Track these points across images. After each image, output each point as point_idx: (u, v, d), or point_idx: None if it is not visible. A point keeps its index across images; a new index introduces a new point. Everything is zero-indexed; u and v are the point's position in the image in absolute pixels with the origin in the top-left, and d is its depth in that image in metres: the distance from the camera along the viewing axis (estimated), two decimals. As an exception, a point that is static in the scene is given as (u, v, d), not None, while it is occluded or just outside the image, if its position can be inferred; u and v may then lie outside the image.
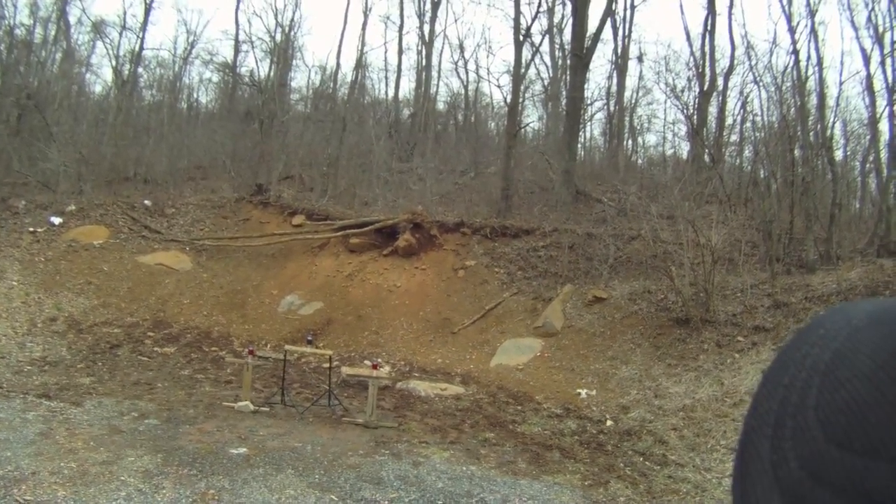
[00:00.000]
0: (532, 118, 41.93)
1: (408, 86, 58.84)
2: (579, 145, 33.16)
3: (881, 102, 22.22)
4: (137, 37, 38.35)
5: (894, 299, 0.65)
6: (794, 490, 0.56)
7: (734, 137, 29.77)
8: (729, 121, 29.92)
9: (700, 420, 12.42)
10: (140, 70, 39.79)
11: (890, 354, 0.56)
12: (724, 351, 14.57)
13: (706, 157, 25.78)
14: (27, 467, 8.38)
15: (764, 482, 0.60)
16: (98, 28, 38.25)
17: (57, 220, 22.00)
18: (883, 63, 21.55)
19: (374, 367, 13.61)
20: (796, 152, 20.03)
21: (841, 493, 0.52)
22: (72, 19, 38.63)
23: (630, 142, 38.26)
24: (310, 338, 15.23)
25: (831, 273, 16.08)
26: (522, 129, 33.39)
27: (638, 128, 39.73)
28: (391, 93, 45.27)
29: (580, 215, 23.85)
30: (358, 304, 19.97)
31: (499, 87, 63.27)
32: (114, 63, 37.85)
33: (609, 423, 13.01)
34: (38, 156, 26.66)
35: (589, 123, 38.16)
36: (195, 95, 46.94)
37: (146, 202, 24.71)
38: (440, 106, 45.55)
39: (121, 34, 38.50)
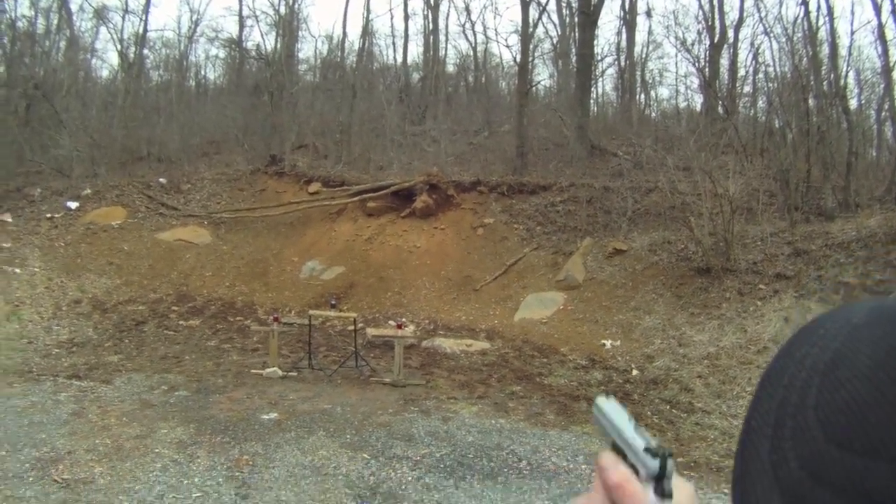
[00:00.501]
0: (543, 76, 41.70)
1: (416, 50, 58.32)
2: (592, 101, 32.94)
3: (894, 51, 22.01)
4: (141, 19, 38.70)
5: (894, 299, 0.64)
6: (794, 490, 0.56)
7: (747, 89, 29.47)
8: (741, 72, 29.66)
9: (725, 367, 12.41)
10: (146, 52, 39.77)
11: (889, 354, 0.55)
12: (746, 299, 14.51)
13: (720, 109, 25.53)
14: (62, 447, 8.42)
15: (764, 482, 0.60)
16: (100, 14, 38.11)
17: (73, 205, 22.03)
18: (894, 12, 21.29)
19: (399, 326, 13.62)
20: (810, 102, 19.82)
21: (841, 493, 0.52)
22: (73, 7, 38.61)
23: (642, 96, 37.86)
24: (333, 301, 15.21)
25: (850, 220, 15.91)
26: (534, 88, 33.23)
27: (650, 82, 39.30)
28: (399, 58, 45.08)
29: (596, 170, 23.77)
30: (379, 267, 19.95)
31: (507, 47, 62.96)
32: (119, 47, 37.85)
33: (635, 372, 13.00)
34: (49, 143, 26.65)
35: (600, 79, 37.82)
36: (203, 73, 46.84)
37: (161, 180, 24.71)
38: (449, 68, 45.25)
39: (124, 18, 38.71)
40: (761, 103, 27.37)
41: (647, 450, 0.95)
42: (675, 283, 16.14)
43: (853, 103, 23.28)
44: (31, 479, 7.44)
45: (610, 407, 1.10)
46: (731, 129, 21.20)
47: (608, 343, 14.60)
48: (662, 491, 0.92)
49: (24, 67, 31.40)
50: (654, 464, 0.93)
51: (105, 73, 42.99)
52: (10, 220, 20.53)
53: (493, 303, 17.71)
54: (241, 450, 8.59)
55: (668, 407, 11.16)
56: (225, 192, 24.69)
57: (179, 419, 9.68)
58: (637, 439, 0.98)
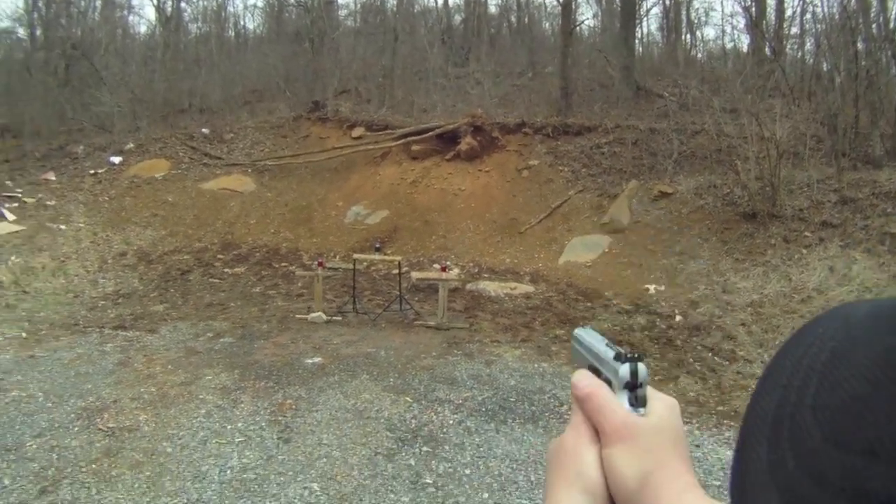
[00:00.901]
0: (587, 15, 41.02)
1: (458, -8, 58.19)
2: (637, 41, 32.29)
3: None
4: (177, -28, 38.22)
5: (893, 299, 0.61)
6: (792, 490, 0.54)
7: (794, 30, 28.61)
8: (788, 13, 28.71)
9: (768, 316, 12.22)
10: (183, 5, 39.72)
11: (887, 353, 0.53)
12: (791, 246, 14.28)
13: (767, 50, 24.95)
14: (108, 396, 8.52)
15: (762, 482, 0.59)
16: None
17: (117, 160, 22.20)
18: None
19: (443, 269, 13.57)
20: (859, 45, 19.21)
21: (840, 493, 0.50)
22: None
23: (688, 36, 37.02)
24: (378, 245, 15.16)
25: None
26: (577, 28, 32.63)
27: (696, 21, 38.59)
28: (440, 0, 44.66)
29: (642, 111, 23.40)
30: (424, 210, 19.89)
31: (551, -14, 62.22)
32: (156, 2, 37.81)
33: (678, 318, 12.83)
34: (90, 101, 26.87)
35: (645, 19, 37.10)
36: (242, 23, 46.82)
37: (204, 131, 24.80)
38: (492, 9, 44.68)
39: (159, -28, 38.36)
40: (809, 45, 26.80)
41: (617, 357, 0.93)
42: (720, 227, 15.92)
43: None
44: (76, 428, 7.53)
45: (585, 333, 1.10)
46: (777, 71, 20.76)
47: (652, 288, 14.47)
48: (636, 398, 0.90)
49: (62, 29, 31.56)
50: (624, 369, 0.91)
51: (143, 29, 43.28)
52: (53, 178, 20.74)
53: (538, 246, 17.60)
54: (285, 394, 8.65)
55: (710, 354, 11.03)
56: (268, 139, 24.74)
57: (224, 365, 9.75)
58: (608, 351, 0.97)
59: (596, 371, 0.99)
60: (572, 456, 0.90)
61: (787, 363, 0.63)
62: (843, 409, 0.53)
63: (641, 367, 0.90)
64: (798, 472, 0.54)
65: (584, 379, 0.96)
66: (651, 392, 0.92)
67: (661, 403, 0.91)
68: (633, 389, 0.90)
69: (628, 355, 0.91)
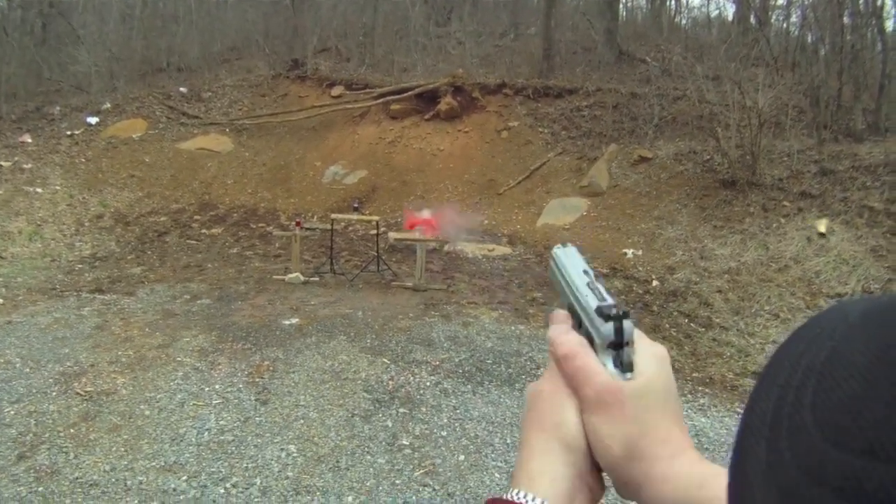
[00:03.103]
0: (571, -22, 40.80)
1: (441, -51, 57.56)
2: (621, 5, 32.13)
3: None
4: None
5: (891, 296, 0.60)
6: (791, 490, 0.53)
7: (781, 1, 28.58)
8: (775, -18, 28.78)
9: (745, 284, 12.30)
10: (163, -40, 39.24)
11: (886, 352, 0.52)
12: (769, 215, 14.31)
13: (752, 20, 24.87)
14: (86, 360, 8.54)
15: (761, 482, 0.58)
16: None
17: (93, 120, 22.02)
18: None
19: (429, 223, 13.61)
20: (845, 19, 19.13)
21: (839, 493, 0.49)
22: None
23: (673, 2, 36.77)
24: (356, 205, 15.17)
25: (879, 144, 15.51)
26: (562, -10, 32.56)
27: (682, -12, 38.43)
28: (425, -43, 44.22)
29: (624, 75, 23.23)
30: (402, 170, 19.88)
31: (535, -55, 61.72)
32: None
33: (655, 283, 12.91)
34: (67, 60, 26.59)
35: (631, -17, 36.97)
36: (222, -21, 46.29)
37: (182, 90, 24.62)
38: (476, -32, 44.35)
39: (137, -74, 37.86)
40: (795, 17, 26.53)
41: (600, 312, 0.88)
42: (699, 194, 15.93)
43: (889, 25, 22.61)
44: (54, 393, 7.57)
45: (566, 256, 1.03)
46: (762, 40, 20.70)
47: (630, 252, 14.51)
48: (621, 361, 0.86)
49: (39, -14, 31.18)
50: (608, 328, 0.86)
51: (122, -14, 42.58)
52: (30, 140, 20.53)
53: (516, 207, 17.61)
54: (262, 356, 8.69)
55: (686, 320, 11.10)
56: (246, 98, 24.60)
57: (201, 327, 9.78)
58: (590, 298, 0.92)
59: (574, 313, 0.96)
60: (551, 406, 0.90)
61: (786, 362, 0.62)
62: (842, 409, 0.52)
63: (627, 324, 0.87)
64: (797, 471, 0.54)
65: (562, 334, 0.94)
66: (638, 342, 0.89)
67: (650, 357, 0.90)
68: (618, 348, 0.86)
69: (613, 312, 0.87)
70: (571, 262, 1.01)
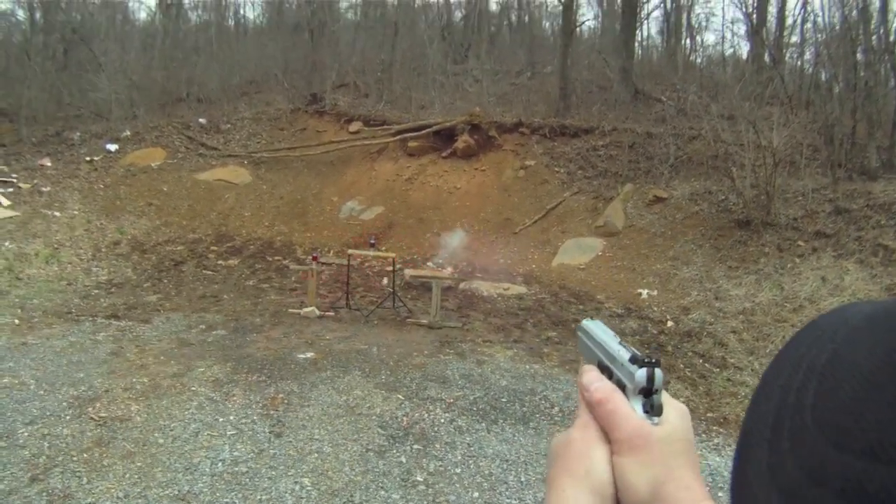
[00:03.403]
0: (588, 16, 41.11)
1: (458, -13, 58.07)
2: (637, 44, 32.32)
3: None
4: (178, -41, 38.10)
5: (892, 300, 0.61)
6: (792, 492, 0.54)
7: (795, 38, 28.63)
8: (789, 21, 28.86)
9: (759, 324, 12.25)
10: (183, -8, 39.63)
11: (888, 355, 0.53)
12: (784, 255, 14.30)
13: (766, 58, 24.92)
14: (100, 386, 8.51)
15: (762, 484, 0.59)
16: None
17: (113, 147, 22.16)
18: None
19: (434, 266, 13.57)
20: (859, 56, 19.21)
21: (840, 495, 0.50)
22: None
23: (688, 40, 36.88)
24: (372, 241, 15.16)
25: (893, 182, 15.52)
26: (578, 28, 32.64)
27: (696, 26, 38.44)
28: (442, -5, 44.53)
29: (639, 114, 23.34)
30: (419, 207, 19.91)
31: (552, -16, 62.16)
32: (156, -12, 37.70)
33: (670, 323, 12.87)
34: (88, 87, 26.80)
35: (646, 22, 37.07)
36: (242, 12, 46.78)
37: (201, 120, 24.77)
38: (492, 7, 44.63)
39: (159, -42, 38.24)
40: (808, 54, 26.70)
41: (633, 360, 0.90)
42: (714, 234, 15.95)
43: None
44: (68, 417, 7.53)
45: (595, 326, 1.07)
46: (777, 79, 20.71)
47: (645, 292, 14.49)
48: (651, 406, 0.88)
49: (61, 12, 31.42)
50: (641, 374, 0.88)
51: (143, 16, 43.08)
52: (49, 164, 20.67)
53: (532, 247, 17.62)
54: (277, 388, 8.65)
55: (700, 361, 11.05)
56: (265, 131, 24.73)
57: (216, 357, 9.76)
58: (622, 351, 0.94)
59: (604, 368, 0.97)
60: (581, 453, 0.89)
61: (787, 364, 0.63)
62: (844, 411, 0.53)
63: (658, 372, 0.89)
64: (798, 472, 0.55)
65: (595, 381, 0.94)
66: (663, 398, 0.91)
67: (674, 411, 0.91)
68: (649, 395, 0.89)
69: (646, 359, 0.89)
70: (601, 329, 1.04)
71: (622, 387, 0.91)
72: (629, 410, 0.88)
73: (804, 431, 0.55)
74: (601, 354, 0.99)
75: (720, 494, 6.53)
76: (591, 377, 0.95)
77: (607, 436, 0.89)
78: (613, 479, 0.86)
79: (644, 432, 0.86)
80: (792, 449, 0.56)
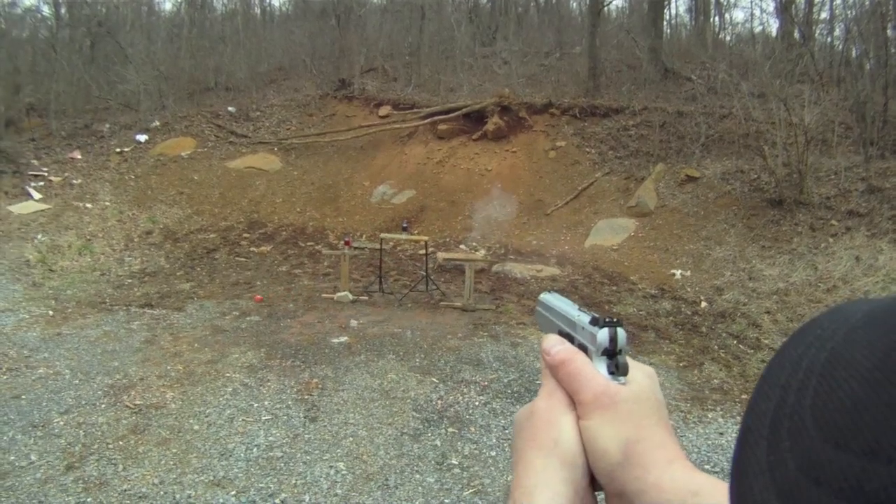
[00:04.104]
0: (615, -5, 40.75)
1: (484, -32, 57.92)
2: (665, 22, 32.09)
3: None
4: (202, -53, 38.16)
5: (892, 298, 0.59)
6: (791, 491, 0.52)
7: (824, 15, 28.27)
8: (818, -4, 28.53)
9: (793, 305, 12.17)
10: (209, -19, 39.69)
11: (887, 354, 0.51)
12: (817, 234, 14.18)
13: (796, 35, 24.68)
14: (135, 374, 8.56)
15: (761, 483, 0.56)
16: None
17: (143, 138, 22.26)
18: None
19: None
20: (889, 31, 18.98)
21: (839, 494, 0.48)
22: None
23: (717, 18, 36.56)
24: (405, 225, 15.16)
25: None
26: (606, 7, 32.38)
27: (724, 3, 37.98)
28: (468, -24, 44.38)
29: (669, 93, 23.21)
30: (450, 190, 19.89)
31: (578, -37, 61.87)
32: (181, -22, 37.78)
33: (703, 304, 12.82)
34: (116, 79, 26.93)
35: (674, 0, 36.85)
36: (267, 0, 46.73)
37: (230, 109, 24.84)
38: (519, -13, 44.39)
39: (184, -53, 38.32)
40: (838, 31, 26.38)
41: (594, 321, 0.90)
42: (747, 213, 15.83)
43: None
44: (103, 405, 7.58)
45: (553, 297, 1.09)
46: (807, 56, 20.50)
47: (678, 273, 14.41)
48: (616, 366, 0.88)
49: (86, 6, 31.57)
50: (603, 334, 0.88)
51: (168, 6, 43.24)
52: (79, 156, 20.82)
53: (564, 228, 17.57)
54: (311, 373, 8.66)
55: (734, 342, 11.00)
56: (294, 117, 24.80)
57: (250, 344, 9.78)
58: (582, 315, 0.94)
59: (567, 337, 0.96)
60: (547, 423, 0.88)
61: (787, 363, 0.61)
62: (843, 410, 0.51)
63: (621, 331, 0.87)
64: (797, 472, 0.52)
65: (556, 344, 0.93)
66: (629, 360, 0.89)
67: (640, 372, 0.90)
68: (613, 356, 0.87)
69: (606, 319, 0.88)
70: (559, 299, 1.06)
71: (585, 350, 0.91)
72: (593, 371, 0.88)
73: (803, 431, 0.53)
74: (561, 323, 1.00)
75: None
76: (552, 341, 0.95)
77: (573, 402, 0.88)
78: (583, 447, 0.86)
79: (610, 391, 0.86)
80: (791, 448, 0.54)
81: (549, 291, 1.11)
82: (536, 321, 1.13)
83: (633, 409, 0.84)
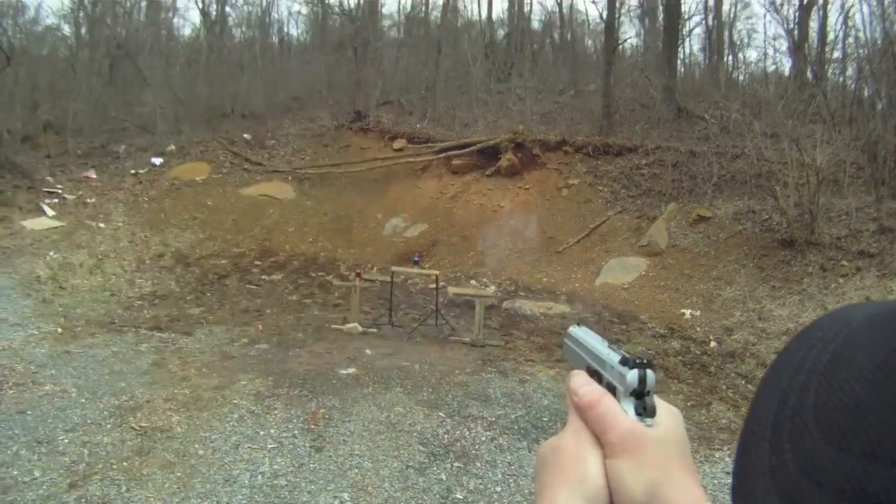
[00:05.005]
0: (629, 34, 40.88)
1: (500, 6, 58.35)
2: (679, 61, 32.23)
3: None
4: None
5: (894, 303, 0.61)
6: (793, 493, 0.54)
7: (837, 54, 28.35)
8: (830, 36, 28.45)
9: (803, 346, 12.10)
10: (228, 9, 40.09)
11: (888, 356, 0.53)
12: (828, 275, 14.17)
13: (809, 74, 24.80)
14: (142, 396, 8.53)
15: (763, 485, 0.58)
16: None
17: (158, 161, 22.40)
18: None
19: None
20: None
21: (840, 495, 0.50)
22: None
23: (730, 57, 36.84)
24: (416, 258, 15.19)
25: None
26: (620, 46, 32.50)
27: (738, 43, 38.34)
28: (484, 13, 44.73)
29: (682, 132, 23.24)
30: (462, 225, 19.92)
31: (594, 2, 62.34)
32: (200, 5, 38.18)
33: (713, 344, 12.79)
34: (133, 101, 27.20)
35: (687, 39, 36.86)
36: (286, 29, 47.21)
37: (246, 136, 25.00)
38: (535, 25, 44.64)
39: (204, -24, 38.67)
40: (851, 70, 26.46)
41: (624, 361, 0.89)
42: (757, 254, 15.82)
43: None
44: (109, 425, 7.55)
45: (583, 332, 1.07)
46: (819, 96, 20.57)
47: (688, 312, 14.40)
48: (644, 407, 0.87)
49: (107, 28, 31.83)
50: (633, 375, 0.87)
51: (187, 32, 43.56)
52: (94, 176, 20.93)
53: (575, 266, 17.58)
54: (318, 403, 8.61)
55: (743, 382, 10.95)
56: (309, 147, 24.91)
57: (258, 371, 9.74)
58: (611, 354, 0.94)
59: (593, 373, 0.96)
60: (574, 460, 0.87)
61: (789, 366, 0.63)
62: (844, 412, 0.52)
63: (650, 373, 0.87)
64: (799, 473, 0.54)
65: (584, 384, 0.93)
66: (656, 401, 0.89)
67: (667, 413, 0.89)
68: (641, 397, 0.87)
69: (636, 360, 0.87)
70: (589, 334, 1.05)
71: (612, 390, 0.90)
72: (621, 412, 0.87)
73: (805, 433, 0.55)
74: (589, 359, 1.00)
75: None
76: (580, 381, 0.95)
77: (599, 441, 0.87)
78: (608, 486, 0.84)
79: (638, 433, 0.84)
80: (793, 450, 0.56)
81: (579, 325, 1.10)
82: (564, 353, 1.12)
83: (659, 452, 0.83)
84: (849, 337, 0.58)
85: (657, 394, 0.88)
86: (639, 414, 0.86)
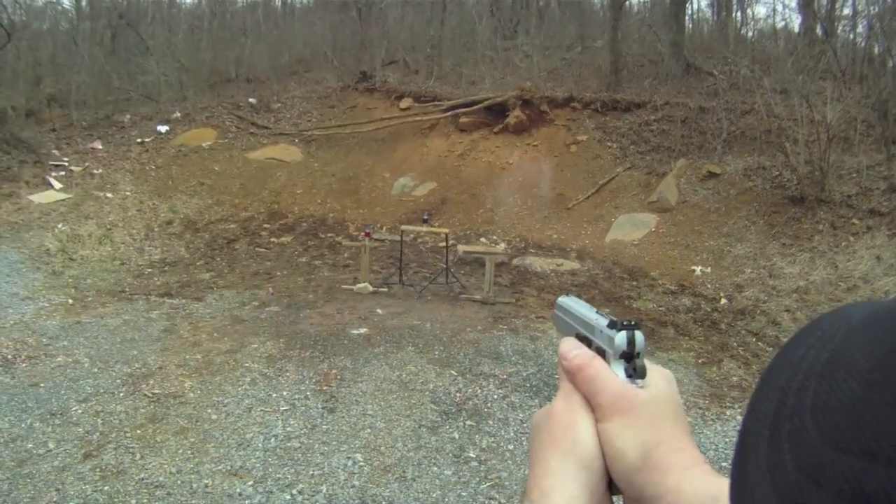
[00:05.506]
0: (637, -11, 40.53)
1: (506, -39, 57.82)
2: (687, 17, 31.83)
3: None
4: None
5: (893, 300, 0.60)
6: (791, 493, 0.53)
7: (847, 11, 28.00)
8: (840, -9, 28.29)
9: (813, 303, 12.10)
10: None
11: (887, 356, 0.52)
12: (838, 233, 14.10)
13: (818, 31, 24.51)
14: (154, 363, 8.57)
15: (761, 485, 0.57)
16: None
17: (163, 129, 22.32)
18: None
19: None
20: None
21: (839, 495, 0.49)
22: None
23: (739, 13, 36.26)
24: (426, 217, 15.09)
25: None
26: (627, 2, 32.24)
27: (746, -2, 38.02)
28: (489, -31, 44.24)
29: (691, 88, 23.02)
30: (471, 183, 19.86)
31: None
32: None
33: (723, 301, 12.78)
34: (136, 70, 27.07)
35: (696, -6, 36.63)
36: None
37: (251, 100, 24.89)
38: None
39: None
40: (861, 27, 26.14)
41: (612, 324, 0.91)
42: (768, 210, 15.75)
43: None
44: (122, 394, 7.59)
45: (572, 301, 1.09)
46: (829, 52, 20.35)
47: (698, 269, 14.37)
48: (634, 369, 0.89)
49: (107, -2, 31.69)
50: (621, 337, 0.89)
51: (189, -1, 43.24)
52: (100, 147, 20.87)
53: (585, 222, 17.53)
54: (330, 364, 8.63)
55: (754, 339, 10.96)
56: (315, 109, 24.81)
57: (269, 334, 9.77)
58: (599, 318, 0.95)
59: (584, 340, 0.97)
60: (565, 425, 0.88)
61: (787, 365, 0.61)
62: (843, 411, 0.51)
63: (638, 335, 0.88)
64: (798, 473, 0.52)
65: (573, 349, 0.94)
66: (646, 363, 0.90)
67: (658, 375, 0.91)
68: (630, 359, 0.89)
69: (624, 322, 0.89)
70: (577, 303, 1.06)
71: (602, 353, 0.92)
72: (611, 374, 0.89)
73: (803, 432, 0.53)
74: (578, 326, 1.01)
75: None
76: (569, 345, 0.96)
77: (590, 404, 0.89)
78: (601, 451, 0.86)
79: (629, 395, 0.87)
80: (791, 450, 0.54)
81: (568, 295, 1.12)
82: (555, 324, 1.12)
83: (651, 413, 0.85)
84: (847, 336, 0.57)
85: (653, 354, 0.87)
86: (629, 376, 0.87)
